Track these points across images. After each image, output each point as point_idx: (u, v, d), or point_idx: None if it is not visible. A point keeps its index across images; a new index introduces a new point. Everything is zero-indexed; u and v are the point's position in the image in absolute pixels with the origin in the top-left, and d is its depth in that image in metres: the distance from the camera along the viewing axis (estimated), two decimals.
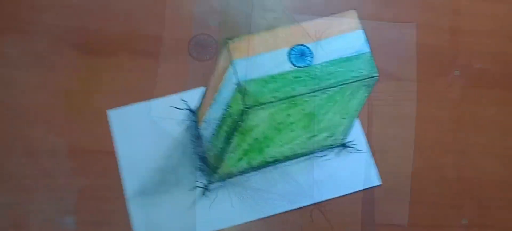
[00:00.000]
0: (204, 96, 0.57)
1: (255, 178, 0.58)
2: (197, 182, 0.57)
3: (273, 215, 0.56)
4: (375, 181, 0.58)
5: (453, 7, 0.64)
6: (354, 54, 0.49)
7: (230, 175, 0.57)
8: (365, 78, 0.48)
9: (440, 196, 0.58)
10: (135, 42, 0.60)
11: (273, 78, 0.48)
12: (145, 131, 0.58)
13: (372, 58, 0.48)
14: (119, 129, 0.57)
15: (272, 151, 0.56)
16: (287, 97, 0.48)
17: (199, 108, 0.58)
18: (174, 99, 0.60)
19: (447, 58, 0.63)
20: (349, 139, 0.60)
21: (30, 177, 0.54)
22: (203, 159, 0.57)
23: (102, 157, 0.56)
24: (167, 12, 0.61)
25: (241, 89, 0.46)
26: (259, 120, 0.50)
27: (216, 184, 0.57)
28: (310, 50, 0.50)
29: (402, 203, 0.58)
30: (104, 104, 0.58)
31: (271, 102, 0.47)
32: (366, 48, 0.49)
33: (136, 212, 0.55)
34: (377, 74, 0.48)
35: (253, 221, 0.56)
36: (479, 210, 0.58)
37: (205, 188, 0.57)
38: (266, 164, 0.58)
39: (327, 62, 0.49)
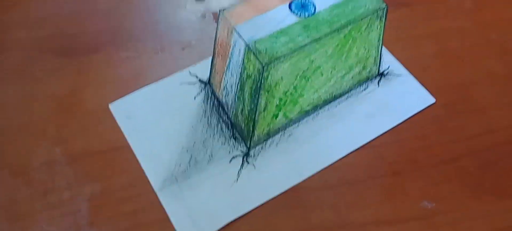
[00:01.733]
0: (213, 65, 0.47)
1: (299, 131, 0.47)
2: (234, 152, 0.44)
3: (331, 165, 0.44)
4: (429, 99, 0.49)
5: None
6: None
7: (270, 134, 0.46)
8: (375, 11, 0.45)
9: (506, 95, 0.49)
10: (120, 35, 0.51)
11: (282, 32, 0.42)
12: (158, 114, 0.46)
13: None
14: (126, 120, 0.46)
15: (308, 99, 0.47)
16: (302, 46, 0.40)
17: (212, 77, 0.48)
18: (182, 75, 0.49)
19: None
20: (384, 67, 0.51)
21: (25, 198, 0.40)
22: (233, 125, 0.46)
23: (112, 155, 0.43)
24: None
25: (252, 50, 0.40)
26: (282, 73, 0.42)
27: (256, 148, 0.45)
28: (309, 0, 0.44)
29: (468, 113, 0.48)
30: (102, 100, 0.46)
31: (288, 54, 0.39)
32: None
33: (170, 202, 0.41)
34: (386, 5, 0.45)
35: (311, 176, 0.43)
36: None
37: (246, 155, 0.44)
38: (306, 114, 0.48)
39: (331, 5, 0.43)
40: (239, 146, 0.45)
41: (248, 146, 0.46)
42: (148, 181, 0.43)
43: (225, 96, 0.48)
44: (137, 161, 0.44)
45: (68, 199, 0.41)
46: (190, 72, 0.50)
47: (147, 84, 0.48)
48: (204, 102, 0.48)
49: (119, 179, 0.42)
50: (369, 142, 0.46)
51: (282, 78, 0.44)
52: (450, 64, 0.52)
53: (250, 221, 0.41)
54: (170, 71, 0.49)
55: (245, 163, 0.45)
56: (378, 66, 0.51)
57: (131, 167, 0.43)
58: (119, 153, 0.44)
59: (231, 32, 0.44)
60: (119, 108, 0.46)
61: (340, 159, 0.45)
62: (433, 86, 0.50)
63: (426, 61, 0.52)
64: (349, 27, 0.45)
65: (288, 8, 0.45)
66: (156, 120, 0.46)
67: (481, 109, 0.49)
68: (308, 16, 0.44)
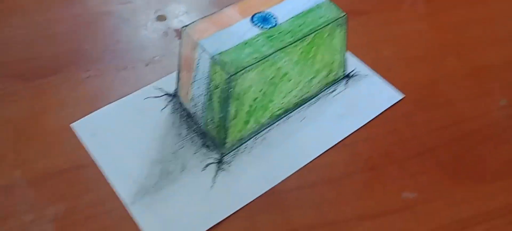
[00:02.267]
0: (179, 78, 0.46)
1: (272, 134, 0.45)
2: (207, 160, 0.42)
3: (307, 164, 0.43)
4: (397, 95, 0.49)
5: None
6: (314, 6, 0.46)
7: (242, 140, 0.44)
8: (334, 20, 0.46)
9: (469, 88, 0.50)
10: (79, 56, 0.49)
11: (246, 44, 0.42)
12: (124, 129, 0.44)
13: (332, 3, 0.47)
14: (91, 138, 0.43)
15: (278, 104, 0.46)
16: (267, 56, 0.40)
17: (178, 89, 0.47)
18: (147, 90, 0.48)
19: None
20: (349, 69, 0.51)
21: None
22: (204, 134, 0.44)
23: (77, 174, 0.41)
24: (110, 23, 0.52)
25: (218, 62, 0.40)
26: (249, 81, 0.41)
27: (230, 154, 0.43)
28: (271, 14, 0.45)
29: (435, 107, 0.48)
30: (63, 121, 0.44)
31: (254, 64, 0.39)
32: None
33: (143, 216, 0.39)
34: (345, 13, 0.46)
35: (288, 177, 0.42)
36: None
37: (219, 162, 0.43)
38: (277, 118, 0.47)
39: (292, 17, 0.45)
40: (211, 153, 0.44)
41: (221, 153, 0.44)
42: (118, 197, 0.40)
43: (193, 106, 0.46)
44: (104, 178, 0.41)
45: (31, 222, 0.38)
46: (155, 87, 0.48)
47: (111, 102, 0.46)
48: (172, 114, 0.46)
49: (86, 197, 0.39)
50: (343, 140, 0.46)
51: (250, 86, 0.43)
52: (413, 64, 0.53)
53: (229, 227, 0.39)
54: (134, 88, 0.48)
55: (219, 170, 0.43)
56: (344, 69, 0.51)
57: (98, 184, 0.40)
58: (84, 171, 0.41)
59: (195, 48, 0.44)
60: (83, 127, 0.44)
61: (316, 159, 0.44)
62: (399, 84, 0.51)
63: (389, 63, 0.53)
64: (312, 36, 0.45)
65: (250, 21, 0.45)
66: (123, 135, 0.44)
67: (447, 103, 0.50)
68: (271, 28, 0.44)
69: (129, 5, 0.56)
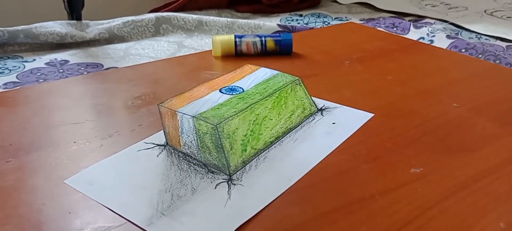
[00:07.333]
0: (167, 133, 0.46)
1: (272, 154, 0.45)
2: (216, 180, 0.40)
3: (316, 166, 0.42)
4: (368, 115, 0.52)
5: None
6: (271, 76, 0.52)
7: (245, 162, 0.43)
8: (292, 82, 0.51)
9: (424, 101, 0.55)
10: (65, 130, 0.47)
11: (222, 105, 0.47)
12: (124, 174, 0.41)
13: (284, 73, 0.53)
14: (89, 187, 0.39)
15: (267, 135, 0.47)
16: (244, 109, 0.45)
17: (168, 141, 0.46)
18: (138, 145, 0.46)
19: (338, 56, 0.68)
20: (319, 106, 0.54)
21: None
22: (205, 165, 0.42)
23: (79, 215, 0.35)
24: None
25: (200, 119, 0.43)
26: (235, 125, 0.45)
27: (237, 173, 0.41)
28: (236, 86, 0.51)
29: (402, 116, 0.52)
30: (54, 180, 0.39)
31: (235, 114, 0.44)
32: (275, 72, 0.54)
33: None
34: (298, 77, 0.52)
35: (296, 183, 0.41)
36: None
37: (229, 180, 0.40)
38: (271, 144, 0.46)
39: (256, 84, 0.50)
40: (219, 176, 0.41)
41: (229, 173, 0.41)
42: (130, 223, 0.34)
43: (188, 148, 0.44)
44: (110, 212, 0.36)
45: None
46: (145, 142, 0.46)
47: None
48: (169, 157, 0.43)
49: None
50: (339, 146, 0.46)
51: (237, 128, 0.44)
52: (367, 97, 0.57)
53: (259, 221, 0.35)
54: (122, 149, 0.45)
55: (232, 185, 0.39)
56: (315, 106, 0.53)
57: (105, 215, 0.35)
58: (86, 212, 0.36)
59: (175, 115, 0.44)
60: (77, 181, 0.39)
61: (319, 163, 0.43)
62: (366, 108, 0.53)
63: (349, 98, 0.56)
64: (276, 94, 0.49)
65: (219, 92, 0.48)
66: (123, 178, 0.40)
67: (412, 112, 0.53)
68: (239, 93, 0.48)
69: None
